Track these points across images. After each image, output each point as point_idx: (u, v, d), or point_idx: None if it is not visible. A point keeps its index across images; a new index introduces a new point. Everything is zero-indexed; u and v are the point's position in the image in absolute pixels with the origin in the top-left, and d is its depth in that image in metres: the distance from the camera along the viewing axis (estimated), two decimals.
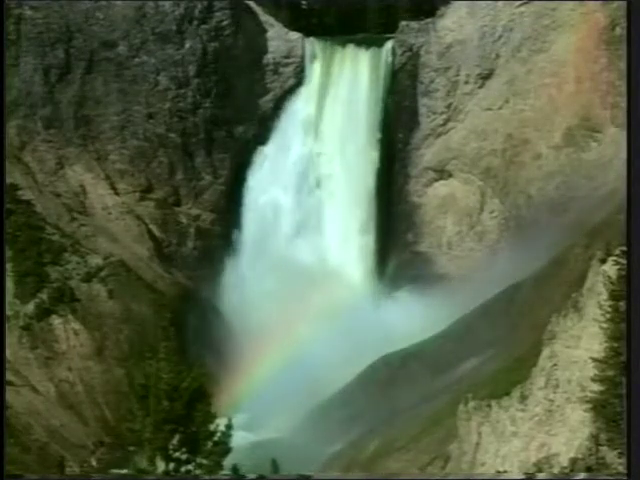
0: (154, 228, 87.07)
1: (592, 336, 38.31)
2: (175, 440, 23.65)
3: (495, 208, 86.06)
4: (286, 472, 32.79)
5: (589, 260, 43.45)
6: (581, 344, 40.27)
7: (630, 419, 26.99)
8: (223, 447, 23.88)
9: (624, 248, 33.51)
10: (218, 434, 23.93)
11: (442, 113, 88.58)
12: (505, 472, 40.59)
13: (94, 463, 63.12)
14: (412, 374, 67.77)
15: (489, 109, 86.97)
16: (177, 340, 24.61)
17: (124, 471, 30.43)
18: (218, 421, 24.40)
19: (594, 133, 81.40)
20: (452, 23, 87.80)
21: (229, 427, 24.08)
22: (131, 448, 24.19)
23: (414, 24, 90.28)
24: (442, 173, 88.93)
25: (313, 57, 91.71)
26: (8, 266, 72.75)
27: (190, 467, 23.73)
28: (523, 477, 38.03)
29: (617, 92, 77.97)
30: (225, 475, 25.26)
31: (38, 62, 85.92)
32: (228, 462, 24.69)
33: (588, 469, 34.58)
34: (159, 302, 75.62)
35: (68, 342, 72.93)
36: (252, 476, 30.15)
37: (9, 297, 72.18)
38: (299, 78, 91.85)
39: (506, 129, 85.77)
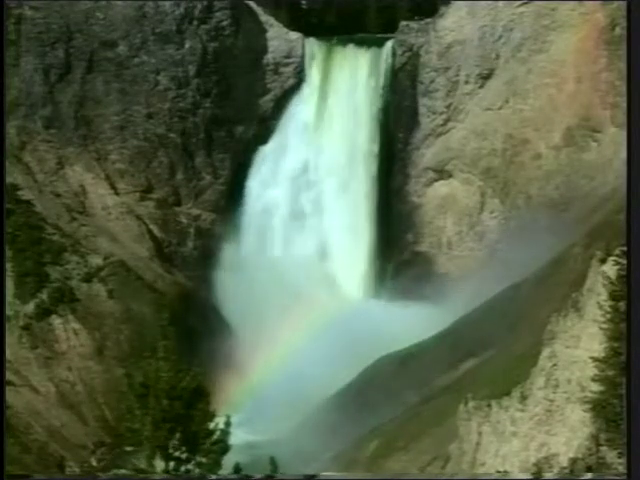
0: (154, 228, 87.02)
1: (592, 336, 38.31)
2: (175, 439, 23.67)
3: (495, 208, 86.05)
4: (284, 472, 32.74)
5: (589, 260, 43.45)
6: (581, 344, 40.27)
7: (630, 419, 26.98)
8: (222, 446, 23.93)
9: (624, 248, 33.48)
10: (217, 433, 23.98)
11: (442, 113, 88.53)
12: (505, 472, 40.57)
13: (94, 463, 62.98)
14: (412, 374, 67.74)
15: (489, 109, 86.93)
16: (176, 339, 24.58)
17: (124, 471, 30.43)
18: (217, 420, 24.45)
19: (594, 133, 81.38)
20: (452, 23, 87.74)
21: (228, 425, 24.12)
22: (130, 447, 24.19)
23: (414, 24, 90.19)
24: (442, 173, 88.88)
25: (313, 57, 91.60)
26: (8, 266, 72.69)
27: (190, 466, 23.76)
28: (528, 477, 38.04)
29: (617, 92, 77.94)
30: (225, 474, 25.28)
31: (38, 62, 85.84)
32: (226, 461, 24.72)
33: (588, 469, 34.58)
34: (159, 302, 75.57)
35: (68, 342, 72.90)
36: (259, 475, 30.14)
37: (9, 297, 72.10)
38: (299, 78, 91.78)
39: (506, 129, 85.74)
